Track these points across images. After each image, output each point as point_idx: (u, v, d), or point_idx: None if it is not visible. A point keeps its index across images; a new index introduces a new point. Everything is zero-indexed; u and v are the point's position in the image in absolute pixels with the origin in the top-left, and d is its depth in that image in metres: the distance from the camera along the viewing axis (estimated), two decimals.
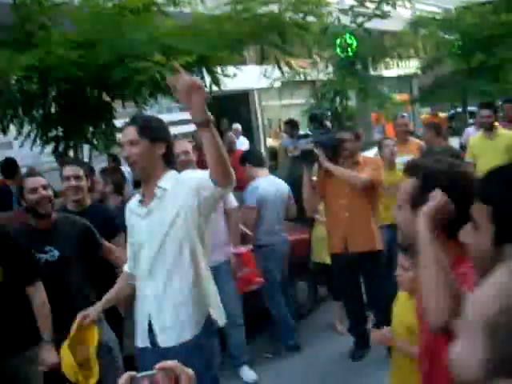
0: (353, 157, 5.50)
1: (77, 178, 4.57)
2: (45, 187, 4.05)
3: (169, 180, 3.14)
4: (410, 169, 2.18)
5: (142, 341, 3.24)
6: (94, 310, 3.56)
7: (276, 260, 5.93)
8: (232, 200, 5.42)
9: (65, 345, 3.51)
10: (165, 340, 3.13)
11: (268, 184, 6.01)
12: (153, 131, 3.14)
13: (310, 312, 6.93)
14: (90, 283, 4.24)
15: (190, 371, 1.32)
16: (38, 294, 3.85)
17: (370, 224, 5.43)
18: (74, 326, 3.52)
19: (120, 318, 4.71)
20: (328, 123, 5.72)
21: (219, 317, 3.25)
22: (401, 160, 7.32)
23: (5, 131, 7.18)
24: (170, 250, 3.09)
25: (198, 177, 3.05)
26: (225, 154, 2.84)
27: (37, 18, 6.73)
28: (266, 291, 5.87)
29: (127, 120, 3.28)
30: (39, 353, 3.82)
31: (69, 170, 4.60)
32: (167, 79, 2.72)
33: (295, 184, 7.59)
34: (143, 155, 3.10)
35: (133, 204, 3.32)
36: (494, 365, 1.02)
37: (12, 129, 7.29)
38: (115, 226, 4.62)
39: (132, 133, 3.11)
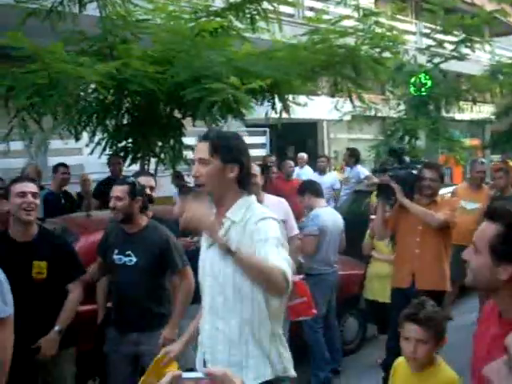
0: (432, 196, 5.46)
1: (151, 188, 4.83)
2: (118, 198, 4.25)
3: (239, 211, 2.83)
4: (492, 213, 2.11)
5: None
6: (178, 345, 3.34)
7: (324, 291, 5.88)
8: (293, 227, 5.41)
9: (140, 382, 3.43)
10: None
11: (327, 214, 6.04)
12: (226, 151, 2.81)
13: (357, 349, 6.82)
14: (162, 292, 4.39)
15: (239, 381, 1.28)
16: (75, 291, 4.06)
17: (441, 263, 5.36)
18: (153, 363, 3.42)
19: None
20: (407, 158, 5.71)
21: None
22: (470, 206, 7.22)
23: (77, 138, 7.40)
24: (228, 291, 2.81)
25: (267, 251, 2.67)
26: (265, 274, 2.58)
27: (120, 31, 6.94)
28: (307, 322, 5.79)
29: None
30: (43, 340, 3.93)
31: (143, 180, 4.79)
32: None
33: (354, 218, 7.59)
34: (212, 177, 2.80)
35: None
36: None
37: (84, 136, 7.52)
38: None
39: (203, 150, 2.81)
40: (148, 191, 4.75)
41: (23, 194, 3.85)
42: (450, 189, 8.23)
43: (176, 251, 4.32)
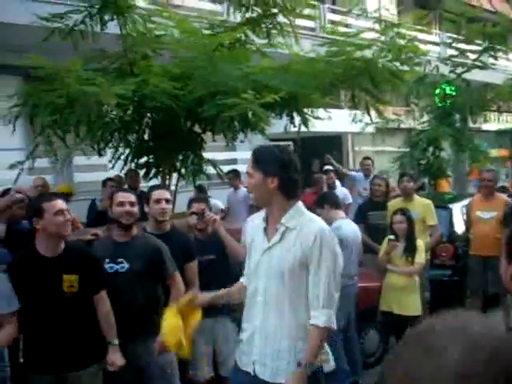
0: None
1: (167, 201, 4.84)
2: (132, 203, 4.37)
3: (293, 219, 3.11)
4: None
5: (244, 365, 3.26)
6: (206, 296, 3.72)
7: (344, 304, 5.85)
8: None
9: (171, 310, 3.82)
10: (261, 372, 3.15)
11: (348, 226, 6.01)
12: (264, 165, 3.10)
13: (377, 362, 6.76)
14: (157, 298, 4.42)
15: None
16: (104, 303, 4.04)
17: None
18: (183, 301, 3.81)
19: None
20: None
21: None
22: (486, 215, 7.17)
23: (100, 153, 7.53)
24: (281, 294, 3.09)
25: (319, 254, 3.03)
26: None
27: (140, 48, 7.05)
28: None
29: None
30: (107, 355, 3.97)
31: (162, 193, 4.86)
32: None
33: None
34: (256, 188, 3.12)
35: (259, 226, 3.27)
36: None
37: (108, 152, 7.65)
38: (191, 252, 4.81)
39: (250, 164, 3.15)
40: (164, 204, 4.78)
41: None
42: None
43: (167, 257, 4.38)
